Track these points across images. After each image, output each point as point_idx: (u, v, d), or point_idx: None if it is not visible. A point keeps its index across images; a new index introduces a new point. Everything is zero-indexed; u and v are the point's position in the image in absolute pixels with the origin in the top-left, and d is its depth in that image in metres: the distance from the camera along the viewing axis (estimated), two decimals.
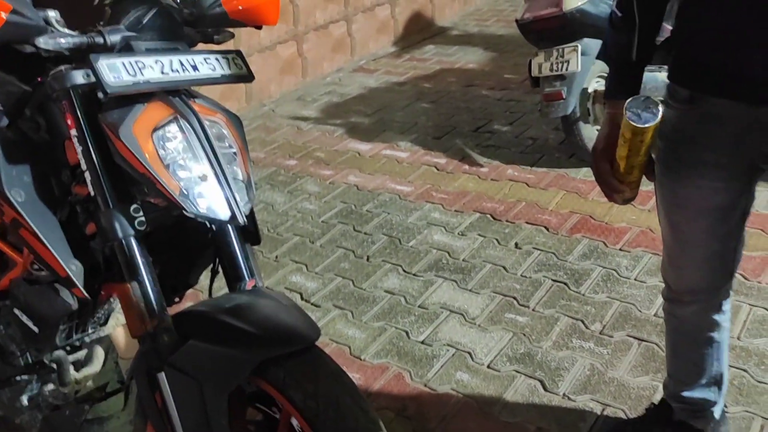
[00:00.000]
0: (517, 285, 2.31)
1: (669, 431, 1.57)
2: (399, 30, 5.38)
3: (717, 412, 1.55)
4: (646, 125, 1.18)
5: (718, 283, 1.36)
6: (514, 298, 2.25)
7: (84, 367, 1.43)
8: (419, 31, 5.49)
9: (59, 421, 1.41)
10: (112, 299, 1.38)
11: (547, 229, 2.61)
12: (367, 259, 2.56)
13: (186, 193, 1.11)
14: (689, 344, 1.48)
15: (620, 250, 2.43)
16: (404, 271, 2.46)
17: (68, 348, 1.39)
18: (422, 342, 2.10)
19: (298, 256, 2.64)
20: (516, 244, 2.54)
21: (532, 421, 1.77)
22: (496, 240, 2.58)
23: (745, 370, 1.83)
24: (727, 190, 1.23)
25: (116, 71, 1.07)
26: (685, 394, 1.52)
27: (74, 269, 1.15)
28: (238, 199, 1.17)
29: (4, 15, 1.01)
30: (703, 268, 1.35)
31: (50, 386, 1.42)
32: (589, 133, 2.92)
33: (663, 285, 1.47)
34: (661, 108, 1.19)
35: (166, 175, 1.10)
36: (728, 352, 1.51)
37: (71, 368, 1.39)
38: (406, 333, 2.14)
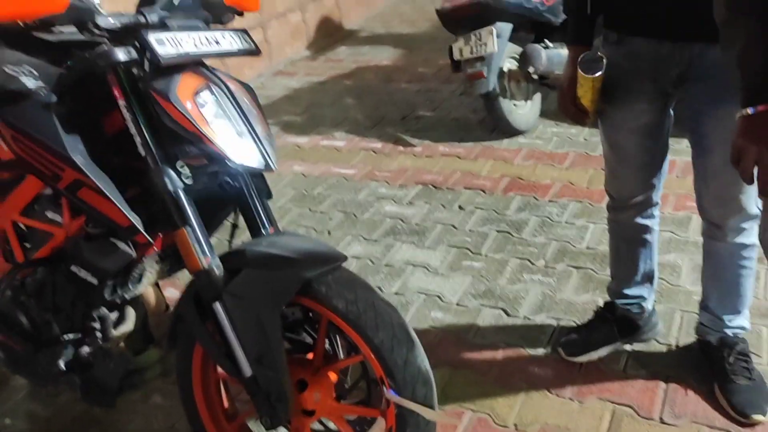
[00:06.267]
0: (468, 238, 2.62)
1: (613, 324, 1.92)
2: (311, 34, 5.63)
3: (649, 304, 1.92)
4: (595, 75, 1.54)
5: (649, 189, 1.73)
6: (467, 248, 2.56)
7: (119, 326, 1.58)
8: (330, 34, 5.77)
9: (101, 376, 1.55)
10: (145, 259, 1.54)
11: (484, 192, 2.95)
12: (329, 233, 2.80)
13: (227, 147, 1.32)
14: (628, 245, 1.84)
15: (549, 201, 2.80)
16: (365, 238, 2.72)
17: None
18: (395, 293, 2.36)
19: None
20: (459, 206, 2.86)
21: (501, 341, 2.07)
22: (442, 205, 2.89)
23: (663, 278, 2.23)
24: (651, 111, 1.59)
25: (163, 45, 1.27)
26: (626, 290, 1.88)
27: (135, 218, 1.32)
28: (268, 150, 1.39)
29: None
30: (638, 177, 1.71)
31: (86, 348, 1.56)
32: (508, 106, 3.30)
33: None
34: (605, 61, 1.54)
35: (212, 132, 1.30)
36: (658, 253, 1.88)
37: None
38: (379, 287, 2.40)
